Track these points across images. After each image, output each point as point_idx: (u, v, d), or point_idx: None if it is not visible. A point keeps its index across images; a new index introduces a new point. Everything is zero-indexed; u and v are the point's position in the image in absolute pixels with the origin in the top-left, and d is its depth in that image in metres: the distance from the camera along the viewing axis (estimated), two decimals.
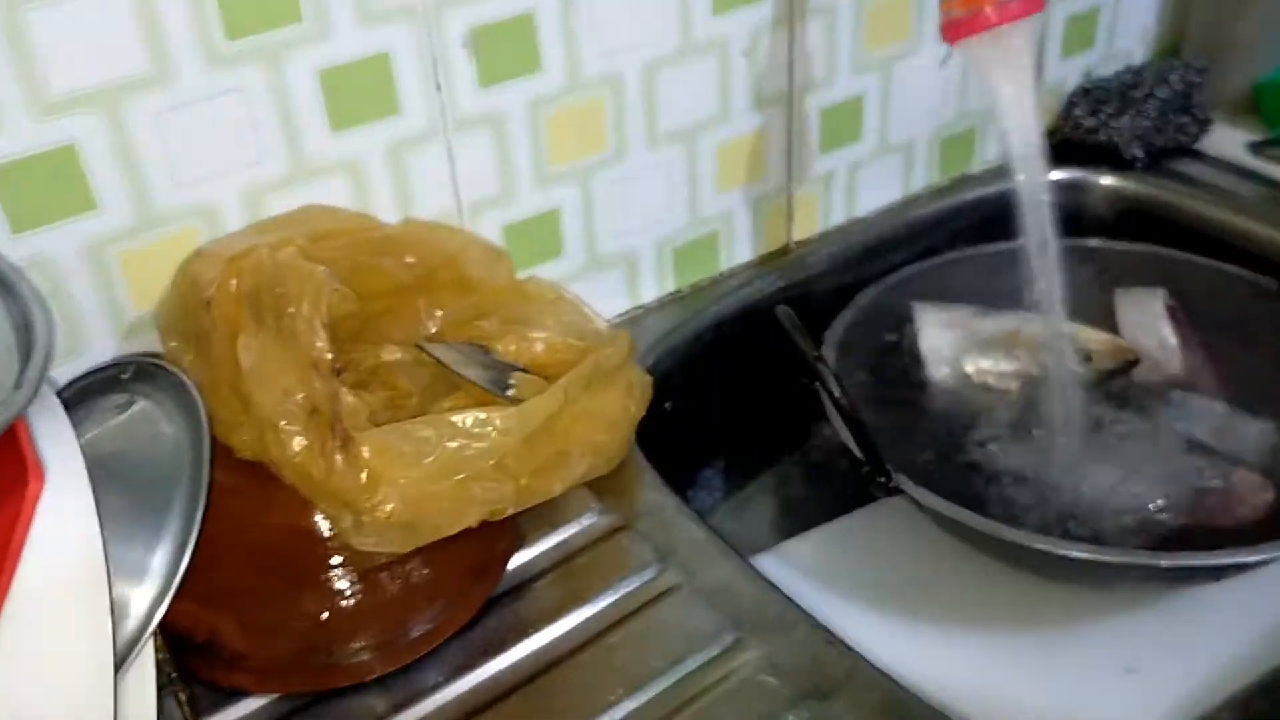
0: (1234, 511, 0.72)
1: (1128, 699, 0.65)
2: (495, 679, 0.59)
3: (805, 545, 0.78)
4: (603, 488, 0.69)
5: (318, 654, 0.57)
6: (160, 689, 0.48)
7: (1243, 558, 0.62)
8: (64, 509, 0.41)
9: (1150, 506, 0.72)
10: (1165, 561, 0.63)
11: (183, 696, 0.49)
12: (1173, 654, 0.68)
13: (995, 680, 0.67)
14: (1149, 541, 0.71)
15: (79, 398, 0.54)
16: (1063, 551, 0.63)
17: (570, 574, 0.64)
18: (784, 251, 0.92)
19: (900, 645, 0.67)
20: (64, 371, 0.63)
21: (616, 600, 0.62)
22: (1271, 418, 0.78)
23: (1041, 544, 0.63)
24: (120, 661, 0.45)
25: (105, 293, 0.65)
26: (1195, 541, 0.70)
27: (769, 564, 0.75)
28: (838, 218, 0.94)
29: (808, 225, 0.92)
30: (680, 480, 0.87)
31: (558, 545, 0.67)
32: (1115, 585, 0.71)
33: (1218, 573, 0.65)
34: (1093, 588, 0.72)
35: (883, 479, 0.65)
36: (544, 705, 0.57)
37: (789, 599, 0.62)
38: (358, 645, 0.58)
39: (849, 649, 0.59)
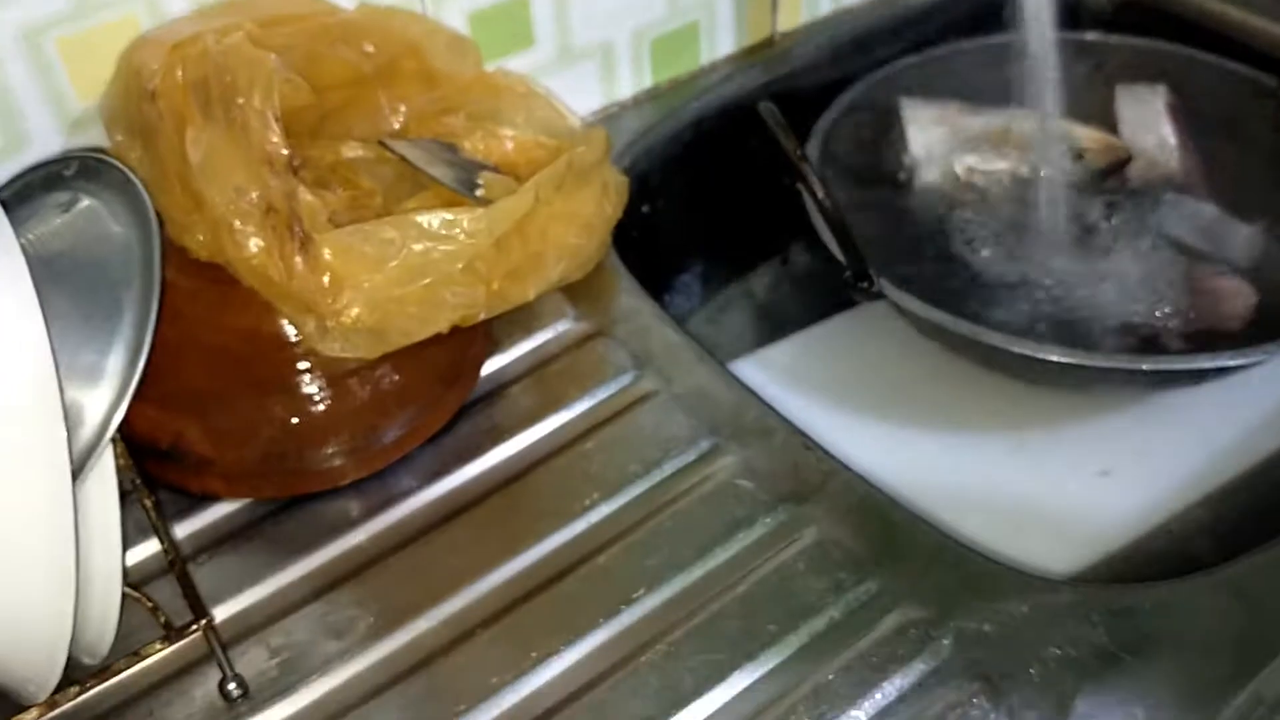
0: (1217, 315, 0.72)
1: (1103, 500, 0.66)
2: (470, 484, 0.59)
3: (784, 350, 0.77)
4: (578, 293, 0.68)
5: (288, 459, 0.57)
6: (124, 496, 0.48)
7: (1223, 361, 0.61)
8: (6, 310, 0.39)
9: (1135, 309, 0.72)
10: (1146, 365, 0.63)
11: (148, 503, 0.49)
12: (1149, 456, 0.68)
13: (971, 482, 0.68)
14: (1130, 344, 0.70)
15: (20, 196, 0.51)
16: (1043, 355, 0.62)
17: (545, 380, 0.64)
18: (768, 43, 0.88)
19: (878, 449, 0.67)
20: (5, 170, 0.60)
21: (592, 406, 0.62)
22: (1261, 221, 0.76)
23: (1022, 348, 0.62)
24: (78, 468, 0.44)
25: (45, 84, 0.61)
26: (1177, 345, 0.70)
27: (747, 369, 0.74)
28: (825, 7, 0.89)
29: (793, 15, 0.88)
30: (657, 285, 0.85)
31: (532, 351, 0.65)
32: (1095, 388, 0.71)
33: (1198, 376, 0.65)
34: (1072, 391, 0.72)
35: (864, 283, 0.64)
36: (519, 509, 0.57)
37: (766, 404, 0.61)
38: (329, 450, 0.57)
39: (826, 454, 0.58)
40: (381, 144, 0.63)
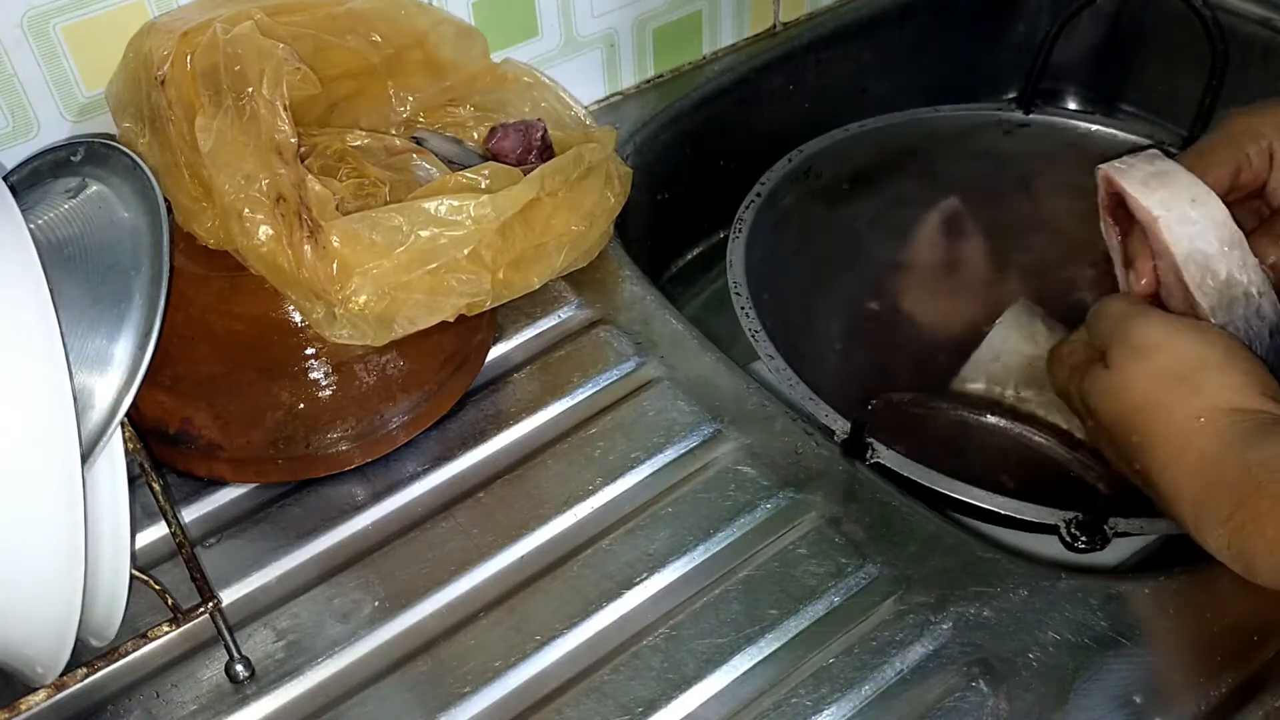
0: None
1: None
2: (474, 469, 0.59)
3: None
4: (581, 280, 0.68)
5: (295, 444, 0.57)
6: (133, 480, 0.48)
7: None
8: (15, 295, 0.40)
9: None
10: None
11: (157, 487, 0.49)
12: None
13: None
14: None
15: (28, 182, 0.52)
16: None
17: (549, 367, 0.64)
18: (770, 34, 0.88)
19: None
20: (13, 155, 0.61)
21: (595, 393, 0.62)
22: None
23: None
24: (87, 452, 0.44)
25: (52, 71, 0.61)
26: None
27: None
28: None
29: (796, 5, 0.88)
30: (660, 273, 0.86)
31: (536, 338, 0.66)
32: None
33: None
34: None
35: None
36: (523, 493, 0.57)
37: (768, 391, 0.62)
38: (335, 435, 0.58)
39: (827, 440, 0.59)
40: (415, 139, 0.64)
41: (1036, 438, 0.52)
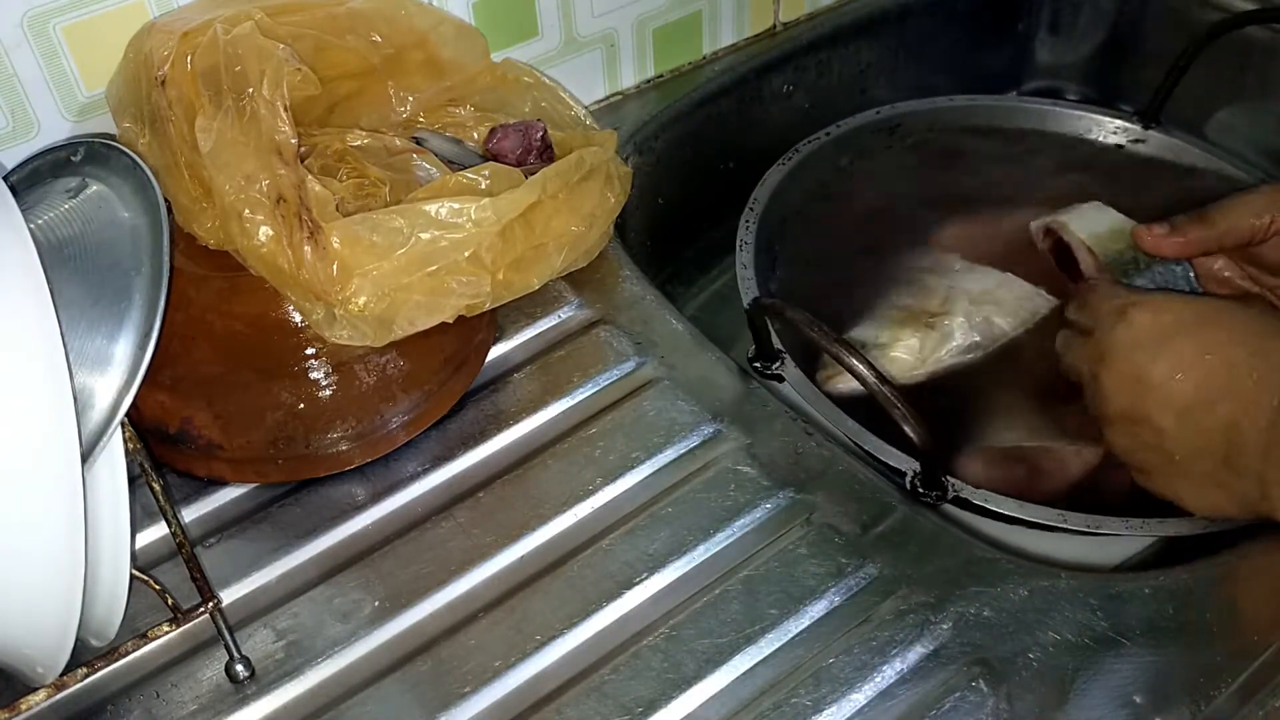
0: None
1: None
2: (474, 469, 0.59)
3: None
4: (581, 280, 0.68)
5: (295, 444, 0.57)
6: (133, 479, 0.48)
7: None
8: (16, 296, 0.40)
9: None
10: None
11: (157, 487, 0.49)
12: None
13: None
14: None
15: (28, 181, 0.52)
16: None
17: (549, 367, 0.64)
18: (770, 34, 0.88)
19: None
20: (13, 155, 0.61)
21: (595, 393, 0.62)
22: None
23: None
24: (87, 452, 0.44)
25: (52, 71, 0.61)
26: None
27: None
28: None
29: (796, 5, 0.88)
30: (660, 273, 0.86)
31: (536, 338, 0.66)
32: None
33: None
34: None
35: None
36: (523, 493, 0.57)
37: (768, 391, 0.62)
38: (335, 435, 0.58)
39: (827, 440, 0.59)
40: (415, 139, 0.64)
41: (867, 377, 0.53)
